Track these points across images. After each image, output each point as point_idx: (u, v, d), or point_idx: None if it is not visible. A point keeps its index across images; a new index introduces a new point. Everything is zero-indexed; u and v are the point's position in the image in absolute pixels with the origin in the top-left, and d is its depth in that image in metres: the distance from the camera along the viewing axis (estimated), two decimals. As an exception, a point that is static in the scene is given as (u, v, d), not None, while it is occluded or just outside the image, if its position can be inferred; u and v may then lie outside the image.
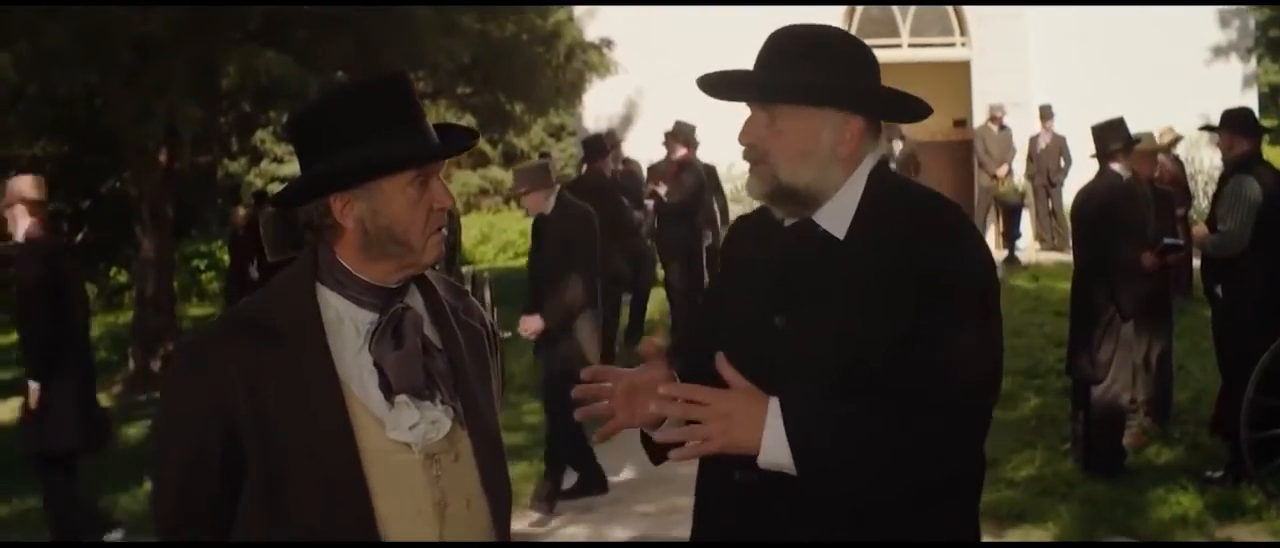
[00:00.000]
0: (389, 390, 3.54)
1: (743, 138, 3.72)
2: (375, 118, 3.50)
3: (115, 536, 10.74)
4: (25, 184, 10.54)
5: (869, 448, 3.45)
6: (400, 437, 3.51)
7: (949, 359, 3.49)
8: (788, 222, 3.75)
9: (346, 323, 3.58)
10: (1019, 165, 25.44)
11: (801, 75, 3.65)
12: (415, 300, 3.71)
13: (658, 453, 3.82)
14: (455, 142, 3.64)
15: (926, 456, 3.51)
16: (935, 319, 3.48)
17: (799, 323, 3.61)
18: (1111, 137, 11.06)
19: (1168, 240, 11.28)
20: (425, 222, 3.54)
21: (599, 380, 3.69)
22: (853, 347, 3.51)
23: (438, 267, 3.77)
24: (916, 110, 3.82)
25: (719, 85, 3.78)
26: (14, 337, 26.22)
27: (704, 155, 18.52)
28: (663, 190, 17.68)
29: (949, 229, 3.65)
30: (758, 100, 3.70)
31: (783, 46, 3.70)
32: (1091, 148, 11.21)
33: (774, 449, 3.42)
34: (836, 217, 3.68)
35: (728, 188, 20.61)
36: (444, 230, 3.62)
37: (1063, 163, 24.57)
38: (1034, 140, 25.03)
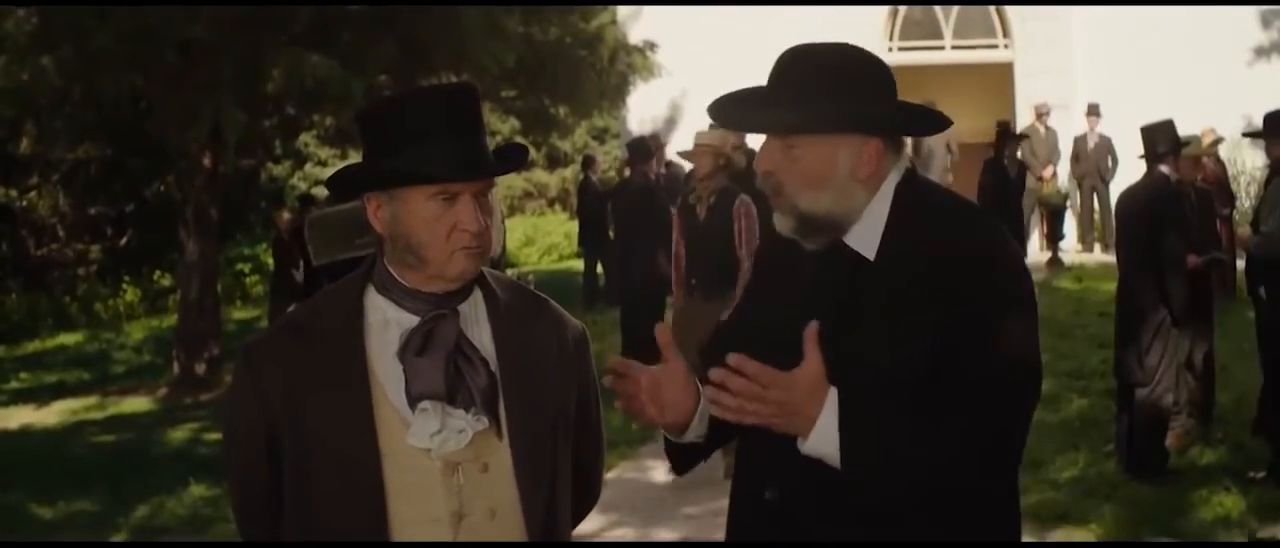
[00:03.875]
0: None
1: (760, 166, 3.68)
2: (421, 126, 3.49)
3: None
4: None
5: (913, 451, 3.45)
6: (419, 443, 3.52)
7: (987, 373, 3.48)
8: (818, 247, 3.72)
9: (392, 327, 3.60)
10: (1063, 167, 25.38)
11: (816, 104, 3.58)
12: (474, 308, 3.70)
13: (682, 462, 3.90)
14: (479, 167, 3.55)
15: (968, 462, 3.49)
16: (971, 335, 3.48)
17: (829, 343, 3.55)
18: (1161, 139, 11.00)
19: (1213, 254, 11.24)
20: (445, 239, 3.51)
21: (624, 373, 3.64)
22: (883, 367, 3.51)
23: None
24: (935, 124, 3.82)
25: (732, 116, 3.79)
26: (55, 343, 26.61)
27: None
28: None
29: (981, 243, 3.62)
30: (772, 134, 3.66)
31: (795, 72, 3.63)
32: (1137, 148, 11.19)
33: (821, 440, 3.43)
34: (865, 237, 3.65)
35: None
36: (476, 251, 3.56)
37: (1111, 162, 24.42)
38: (1082, 139, 24.90)
